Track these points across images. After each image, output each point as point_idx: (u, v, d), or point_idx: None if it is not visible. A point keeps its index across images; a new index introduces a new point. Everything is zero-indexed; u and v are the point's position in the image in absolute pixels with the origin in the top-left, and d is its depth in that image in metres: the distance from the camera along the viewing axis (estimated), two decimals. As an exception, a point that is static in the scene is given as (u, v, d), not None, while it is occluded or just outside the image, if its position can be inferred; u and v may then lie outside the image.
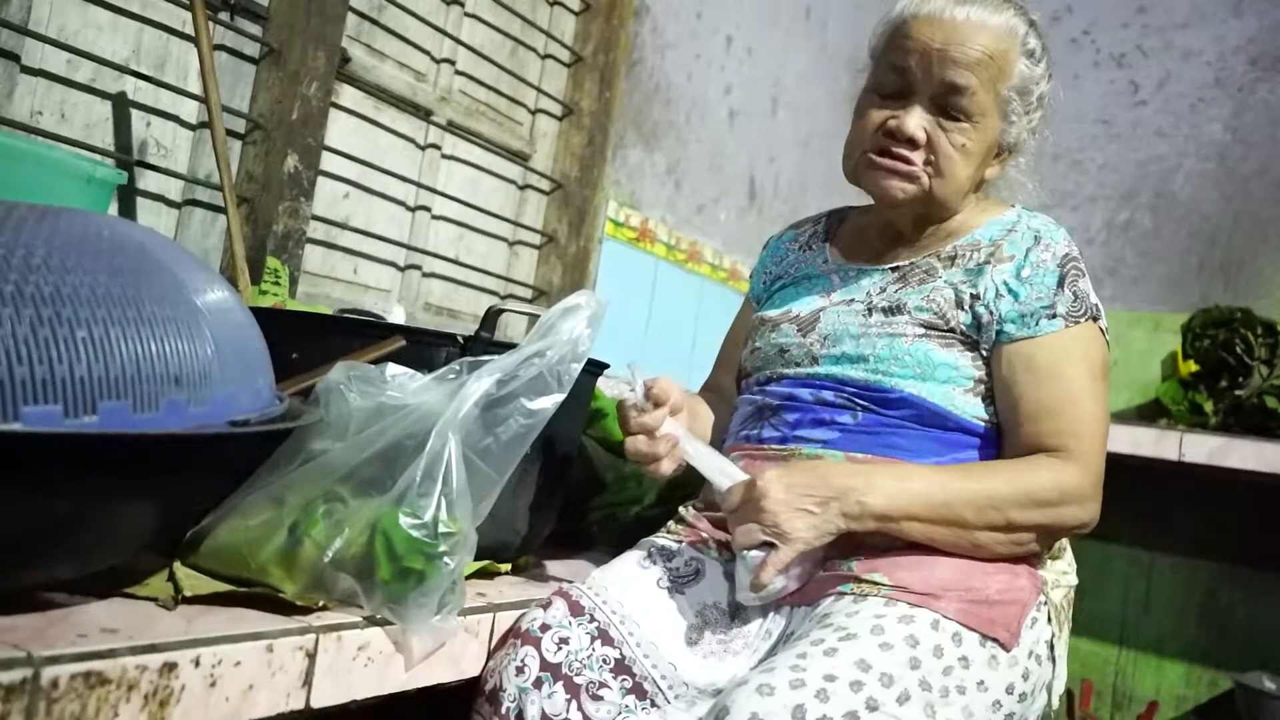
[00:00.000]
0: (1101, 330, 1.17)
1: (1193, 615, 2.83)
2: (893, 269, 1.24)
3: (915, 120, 1.16)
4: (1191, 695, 2.79)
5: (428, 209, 1.95)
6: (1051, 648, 1.09)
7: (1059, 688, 1.12)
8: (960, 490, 1.06)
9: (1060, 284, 1.14)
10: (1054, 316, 1.13)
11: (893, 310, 1.17)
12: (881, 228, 1.30)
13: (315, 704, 0.83)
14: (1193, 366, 2.74)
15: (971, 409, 1.14)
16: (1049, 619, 1.10)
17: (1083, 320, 1.14)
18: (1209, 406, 2.68)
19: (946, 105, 1.16)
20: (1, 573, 0.69)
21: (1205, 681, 2.78)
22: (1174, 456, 2.43)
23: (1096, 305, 1.16)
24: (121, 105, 1.42)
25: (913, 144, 1.17)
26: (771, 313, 1.29)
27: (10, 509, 0.63)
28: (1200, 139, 2.97)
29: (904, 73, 1.18)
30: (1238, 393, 2.62)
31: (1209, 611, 2.81)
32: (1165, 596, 2.87)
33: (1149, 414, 2.86)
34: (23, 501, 0.63)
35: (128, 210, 1.45)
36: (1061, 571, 1.16)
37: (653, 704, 1.04)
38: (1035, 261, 1.15)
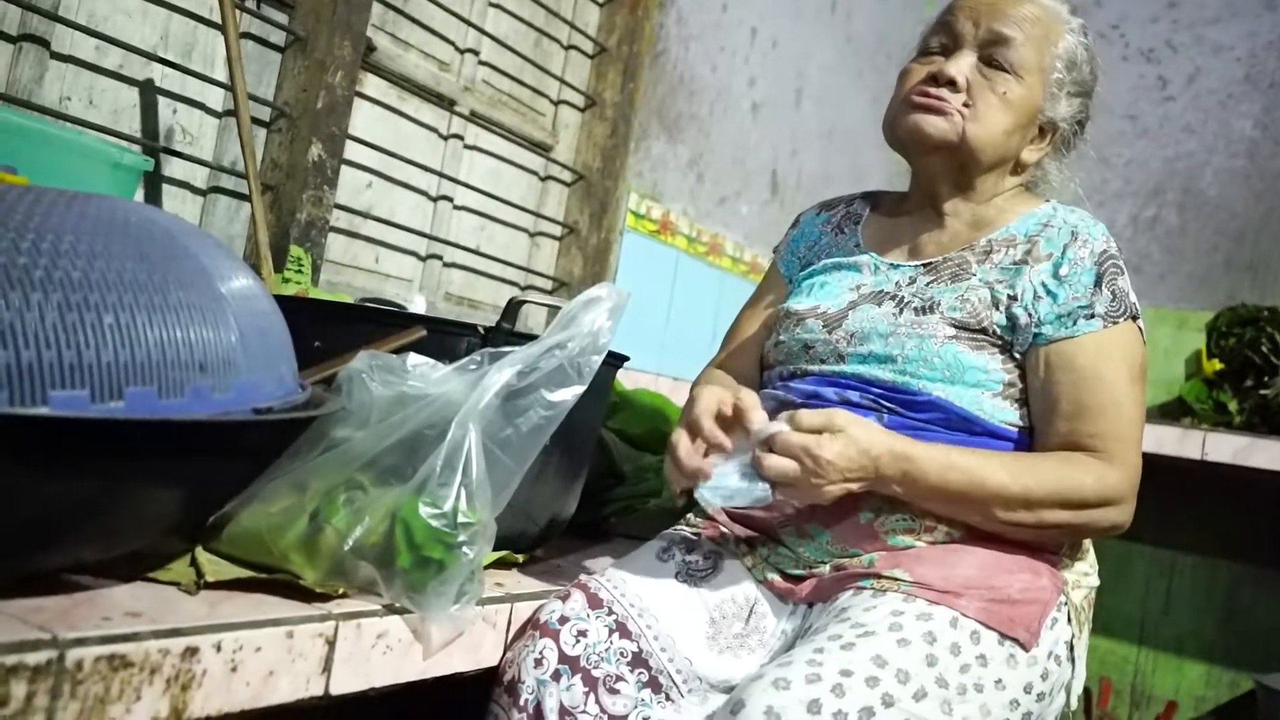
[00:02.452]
0: (1140, 329, 1.15)
1: (1214, 615, 2.80)
2: (925, 265, 1.22)
3: (958, 65, 1.19)
4: (1211, 696, 2.77)
5: (450, 199, 1.96)
6: (1071, 648, 1.09)
7: (1078, 688, 1.11)
8: (999, 489, 1.04)
9: (1098, 283, 1.12)
10: (1092, 316, 1.11)
11: (925, 310, 1.15)
12: (915, 212, 1.28)
13: (334, 691, 0.84)
14: (1217, 365, 2.71)
15: (1000, 413, 1.13)
16: (1069, 619, 1.09)
17: (1122, 320, 1.12)
18: (1233, 406, 2.65)
19: (992, 56, 1.19)
20: (28, 555, 0.70)
21: (1225, 682, 2.76)
22: (1197, 456, 2.41)
23: (1135, 304, 1.14)
24: (149, 92, 1.43)
25: (953, 86, 1.18)
26: (799, 306, 1.26)
27: (37, 492, 0.64)
28: (1229, 135, 2.93)
29: (952, 27, 1.21)
30: (1263, 392, 2.59)
31: (1230, 612, 2.78)
32: (1186, 596, 2.84)
33: (1172, 412, 2.83)
34: (50, 485, 0.64)
35: (154, 197, 1.46)
36: (1083, 573, 1.15)
37: (668, 698, 1.04)
38: (1073, 259, 1.13)
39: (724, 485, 1.03)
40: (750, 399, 1.06)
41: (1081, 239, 1.15)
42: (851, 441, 1.00)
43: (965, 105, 1.18)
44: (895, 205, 1.34)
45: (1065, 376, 1.10)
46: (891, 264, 1.25)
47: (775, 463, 1.00)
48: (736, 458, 1.04)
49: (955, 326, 1.13)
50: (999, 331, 1.13)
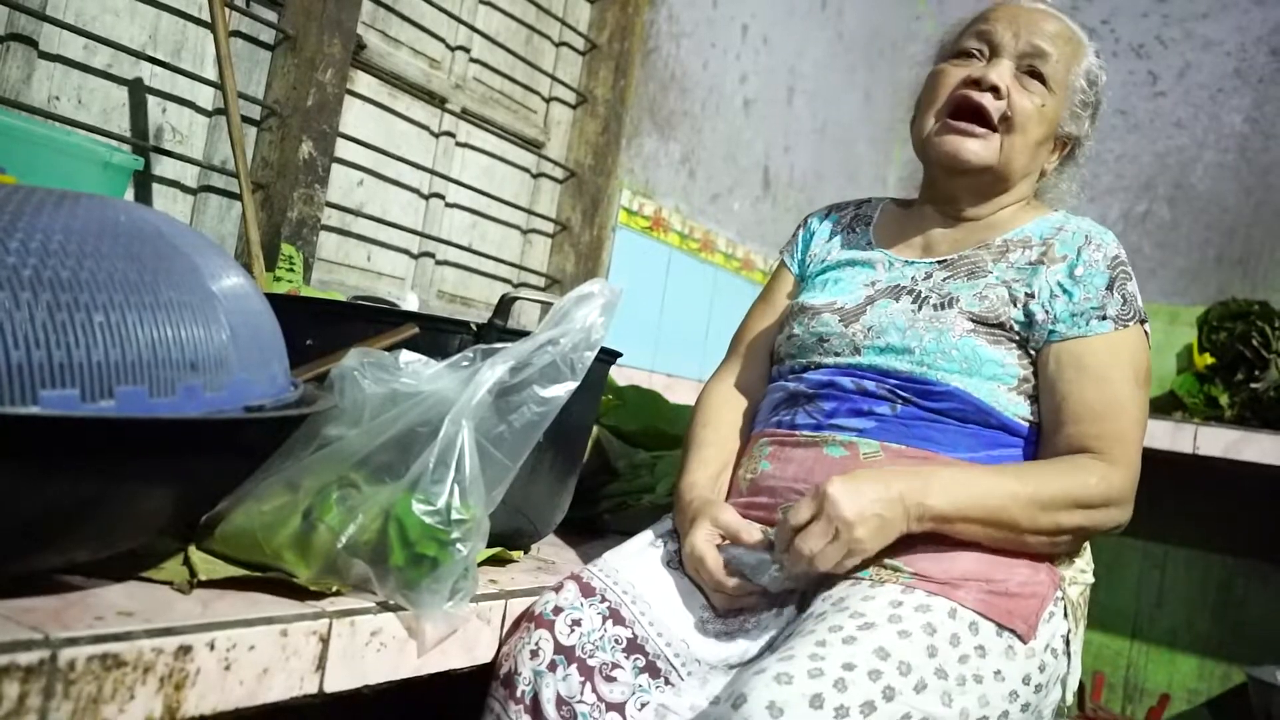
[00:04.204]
0: (1146, 334, 1.18)
1: (1206, 608, 2.81)
2: (940, 261, 1.24)
3: (1000, 71, 1.21)
4: (1204, 689, 2.79)
5: (442, 196, 1.95)
6: (1067, 643, 1.09)
7: (1073, 683, 1.11)
8: (1015, 494, 1.05)
9: (1110, 286, 1.15)
10: (1104, 318, 1.14)
11: (943, 305, 1.17)
12: (928, 214, 1.30)
13: (329, 688, 0.84)
14: (1209, 359, 2.72)
15: (1014, 407, 1.15)
16: (1065, 614, 1.09)
17: (1131, 324, 1.15)
18: (1225, 399, 2.66)
19: (1031, 67, 1.22)
20: (20, 555, 0.70)
21: (1218, 675, 2.77)
22: (1189, 449, 2.42)
23: (1142, 309, 1.17)
24: (138, 91, 1.42)
25: (996, 93, 1.20)
26: (814, 301, 1.27)
27: (28, 492, 0.64)
28: (1220, 130, 2.94)
29: (990, 36, 1.24)
30: (1254, 386, 2.60)
31: (1222, 605, 2.80)
32: (1179, 590, 2.86)
33: (1164, 407, 2.84)
34: (41, 485, 0.64)
35: (144, 196, 1.45)
36: (1080, 569, 1.16)
37: (666, 682, 1.04)
38: (1087, 261, 1.16)
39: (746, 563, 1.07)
40: (734, 525, 1.10)
41: (1095, 243, 1.18)
42: (859, 489, 1.01)
43: (1004, 119, 1.20)
44: (904, 209, 1.36)
45: (1074, 375, 1.13)
46: (906, 260, 1.27)
47: (804, 545, 1.01)
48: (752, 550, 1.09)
49: (974, 321, 1.15)
50: (1016, 327, 1.15)
